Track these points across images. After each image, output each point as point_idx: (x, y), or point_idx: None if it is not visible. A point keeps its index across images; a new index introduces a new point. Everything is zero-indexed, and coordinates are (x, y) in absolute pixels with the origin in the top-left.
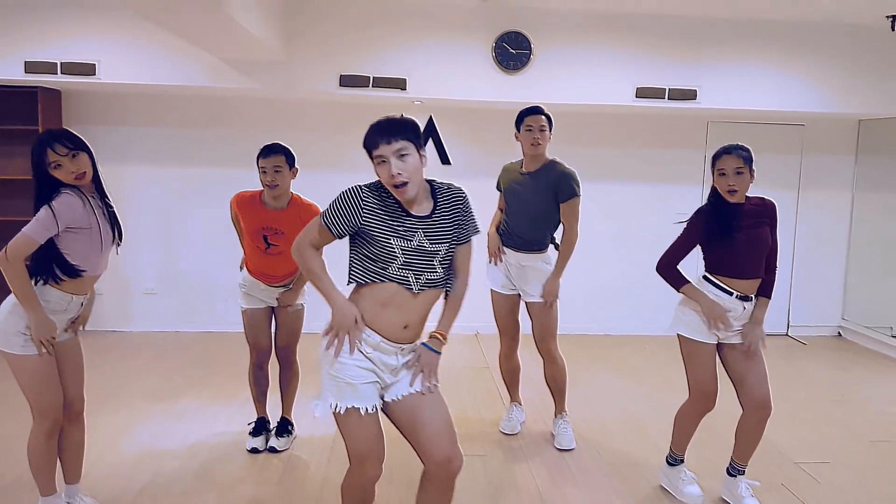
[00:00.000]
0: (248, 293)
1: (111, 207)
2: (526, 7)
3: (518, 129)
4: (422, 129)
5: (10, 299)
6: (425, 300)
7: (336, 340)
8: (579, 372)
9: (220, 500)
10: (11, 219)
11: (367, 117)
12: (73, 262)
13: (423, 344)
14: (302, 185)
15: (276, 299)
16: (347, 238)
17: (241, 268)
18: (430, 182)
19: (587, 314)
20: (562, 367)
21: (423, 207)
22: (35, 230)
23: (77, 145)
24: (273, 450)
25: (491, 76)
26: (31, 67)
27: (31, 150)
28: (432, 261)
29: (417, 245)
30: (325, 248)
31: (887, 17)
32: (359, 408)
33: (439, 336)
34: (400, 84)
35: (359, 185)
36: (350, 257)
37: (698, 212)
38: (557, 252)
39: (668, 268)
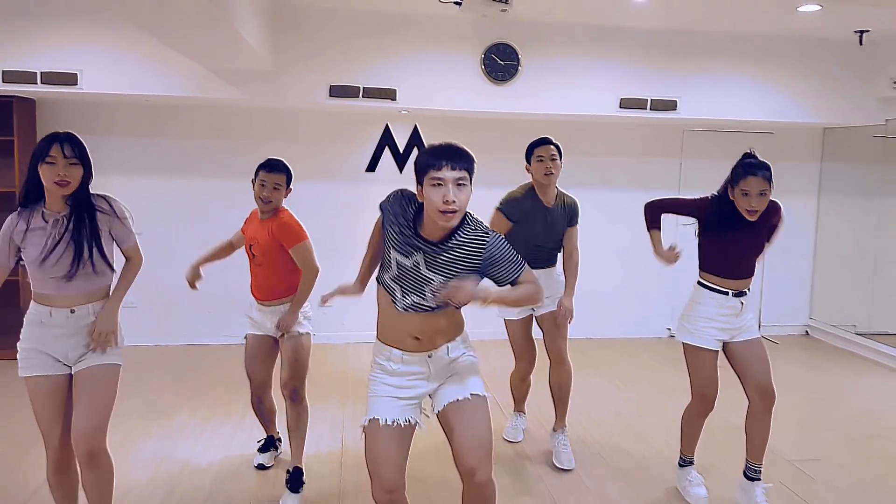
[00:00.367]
0: (248, 315)
1: (87, 232)
2: (514, 20)
3: (528, 161)
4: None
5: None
6: (421, 319)
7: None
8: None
9: None
10: None
11: (356, 128)
12: (31, 275)
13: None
14: (290, 196)
15: (276, 327)
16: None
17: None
18: (465, 215)
19: None
20: (569, 372)
21: (435, 233)
22: None
23: (79, 157)
24: None
25: (480, 87)
26: (9, 77)
27: (38, 143)
28: (423, 287)
29: (412, 266)
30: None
31: (856, 31)
32: (377, 419)
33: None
34: (390, 94)
35: (399, 191)
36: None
37: (713, 197)
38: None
39: (653, 209)
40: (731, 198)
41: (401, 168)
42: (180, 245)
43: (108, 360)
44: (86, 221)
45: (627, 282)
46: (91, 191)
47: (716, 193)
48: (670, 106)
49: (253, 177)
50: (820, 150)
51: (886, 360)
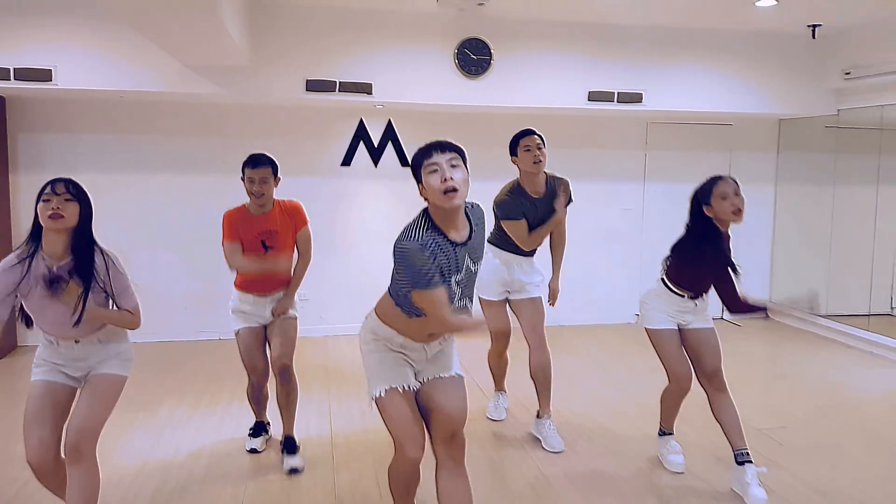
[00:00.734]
0: (239, 310)
1: (90, 273)
2: (487, 15)
3: (514, 153)
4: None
5: None
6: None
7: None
8: None
9: (239, 500)
10: None
11: (332, 124)
12: (33, 318)
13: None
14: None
15: (271, 312)
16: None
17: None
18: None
19: None
20: (549, 356)
21: (462, 234)
22: None
23: (75, 195)
24: (295, 470)
25: (453, 81)
26: None
27: None
28: (474, 284)
29: (465, 272)
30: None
31: (809, 25)
32: (396, 387)
33: None
34: (366, 88)
35: (410, 240)
36: (397, 281)
37: (686, 227)
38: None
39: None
40: (708, 214)
41: (375, 162)
42: (156, 244)
43: (116, 371)
44: (90, 270)
45: (595, 270)
46: (97, 241)
47: (686, 223)
48: (636, 98)
49: (241, 175)
50: (776, 141)
51: (843, 337)
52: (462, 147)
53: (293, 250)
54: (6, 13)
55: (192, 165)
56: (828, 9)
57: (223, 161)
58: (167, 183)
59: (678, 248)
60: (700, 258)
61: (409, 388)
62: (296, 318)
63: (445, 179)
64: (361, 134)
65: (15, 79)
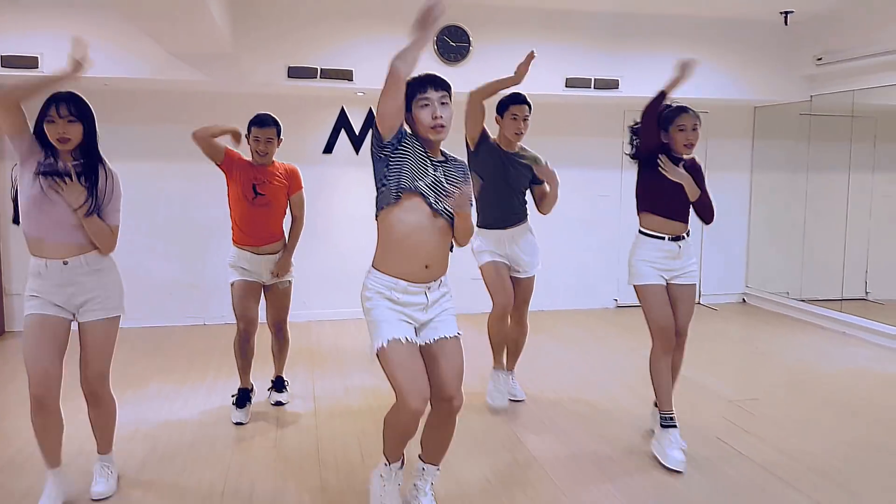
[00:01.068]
0: (237, 265)
1: (97, 178)
2: (466, 3)
3: (501, 115)
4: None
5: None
6: (441, 236)
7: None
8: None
9: (224, 465)
10: None
11: (313, 112)
12: (22, 215)
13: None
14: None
15: (271, 273)
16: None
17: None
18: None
19: None
20: (526, 332)
21: (435, 154)
22: None
23: (78, 115)
24: (280, 403)
25: (433, 68)
26: None
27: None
28: (447, 196)
29: (435, 179)
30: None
31: (781, 12)
32: (399, 338)
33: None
34: (347, 75)
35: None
36: (380, 188)
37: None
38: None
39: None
40: (664, 140)
41: (357, 149)
42: (142, 231)
43: (110, 312)
44: (95, 172)
45: (574, 256)
46: (102, 155)
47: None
48: (612, 85)
49: (246, 132)
50: (751, 128)
51: (817, 319)
52: (450, 83)
53: (283, 208)
54: None
55: (176, 153)
56: None
57: None
58: (152, 170)
59: (639, 172)
60: (658, 173)
61: (411, 340)
62: (290, 285)
63: (436, 116)
64: (343, 122)
65: (1, 66)
